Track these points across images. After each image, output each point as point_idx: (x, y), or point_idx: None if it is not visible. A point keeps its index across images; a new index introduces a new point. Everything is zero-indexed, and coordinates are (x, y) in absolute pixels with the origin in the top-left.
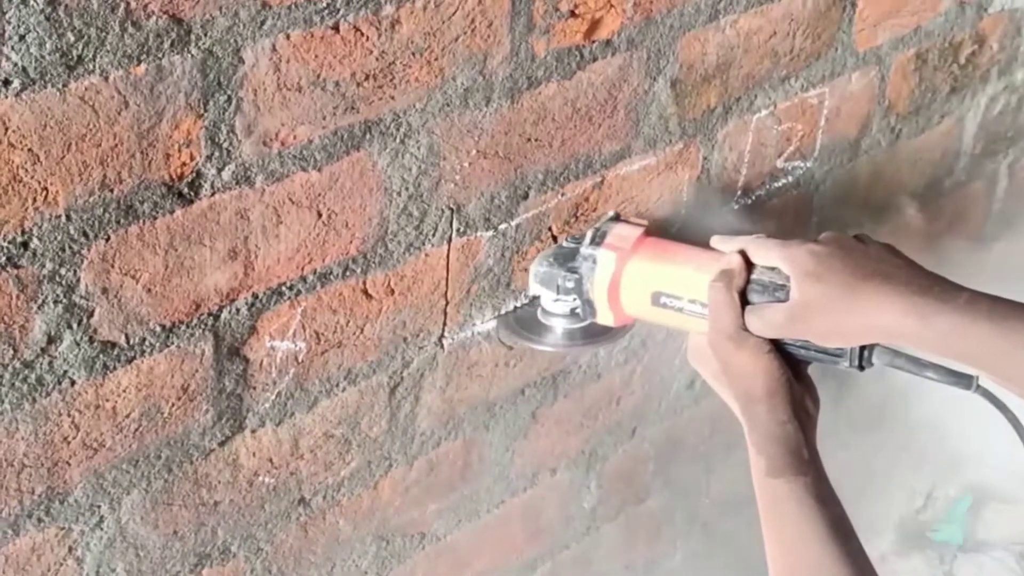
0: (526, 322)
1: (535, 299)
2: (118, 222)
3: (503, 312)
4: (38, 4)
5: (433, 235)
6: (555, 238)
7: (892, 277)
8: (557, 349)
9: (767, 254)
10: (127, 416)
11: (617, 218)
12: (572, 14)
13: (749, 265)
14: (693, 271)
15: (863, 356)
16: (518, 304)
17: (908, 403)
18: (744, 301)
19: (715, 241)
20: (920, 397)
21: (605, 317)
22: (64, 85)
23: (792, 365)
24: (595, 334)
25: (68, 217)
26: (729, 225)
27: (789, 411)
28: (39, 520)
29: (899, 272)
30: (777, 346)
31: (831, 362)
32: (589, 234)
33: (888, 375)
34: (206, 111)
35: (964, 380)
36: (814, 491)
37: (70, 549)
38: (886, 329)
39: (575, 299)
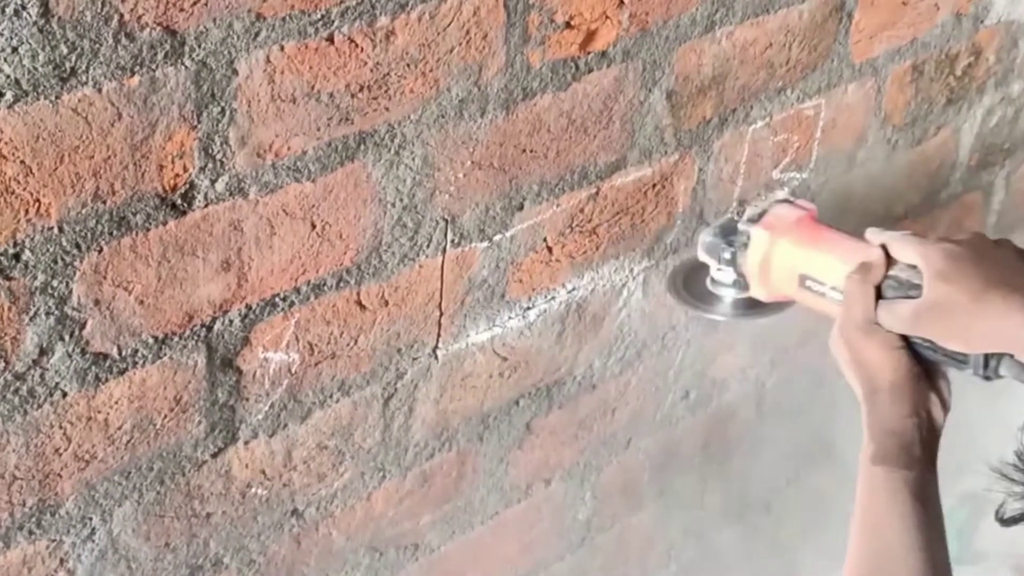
0: (695, 289)
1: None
2: (111, 234)
3: (671, 275)
4: (31, 16)
5: (427, 246)
6: (550, 250)
7: (1022, 287)
8: (723, 318)
9: (908, 250)
10: (119, 428)
11: (786, 200)
12: (567, 25)
13: (890, 260)
14: (838, 259)
15: (988, 365)
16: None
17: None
18: (880, 296)
19: (869, 233)
20: None
21: (758, 292)
22: (57, 97)
23: (927, 366)
24: (759, 305)
25: (60, 229)
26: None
27: (910, 407)
28: (30, 532)
29: None
30: (908, 343)
31: (956, 366)
32: (749, 210)
33: None
34: (200, 122)
35: None
36: (913, 487)
37: (61, 561)
38: (1009, 339)
39: (733, 271)
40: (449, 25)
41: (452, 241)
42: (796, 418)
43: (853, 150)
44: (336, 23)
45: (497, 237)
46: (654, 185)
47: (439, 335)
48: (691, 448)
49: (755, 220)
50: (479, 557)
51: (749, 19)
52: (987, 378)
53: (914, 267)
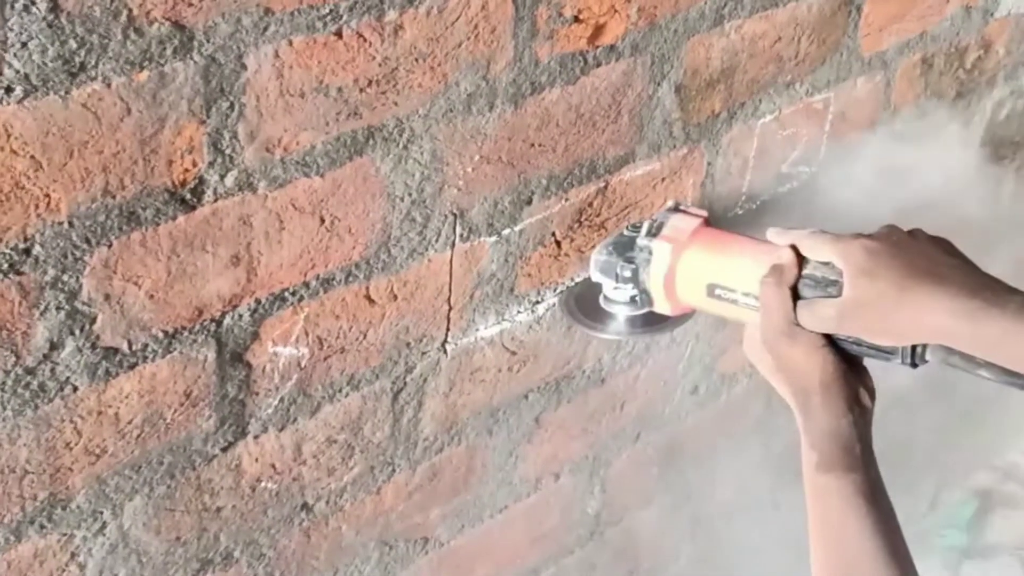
0: (588, 308)
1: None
2: (120, 229)
3: (563, 294)
4: (40, 11)
5: (436, 240)
6: (558, 244)
7: (945, 278)
8: (619, 337)
9: (821, 248)
10: (129, 422)
11: (676, 208)
12: (576, 19)
13: (801, 260)
14: (747, 264)
15: (916, 354)
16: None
17: (911, 409)
18: (796, 296)
19: (771, 234)
20: (922, 403)
21: (662, 307)
22: (66, 92)
23: (847, 357)
24: (655, 322)
25: (70, 224)
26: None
27: (844, 406)
28: (41, 526)
29: (953, 272)
30: (831, 340)
31: (883, 359)
32: (646, 224)
33: (888, 384)
34: (209, 117)
35: (1021, 380)
36: (862, 488)
37: (72, 555)
38: (937, 330)
39: (633, 288)
40: (457, 19)
41: (461, 235)
42: None
43: (862, 144)
44: (344, 18)
45: (506, 231)
46: (663, 179)
47: (448, 329)
48: (700, 442)
49: (654, 234)
50: (489, 551)
51: (758, 12)
52: (914, 365)
53: (827, 264)
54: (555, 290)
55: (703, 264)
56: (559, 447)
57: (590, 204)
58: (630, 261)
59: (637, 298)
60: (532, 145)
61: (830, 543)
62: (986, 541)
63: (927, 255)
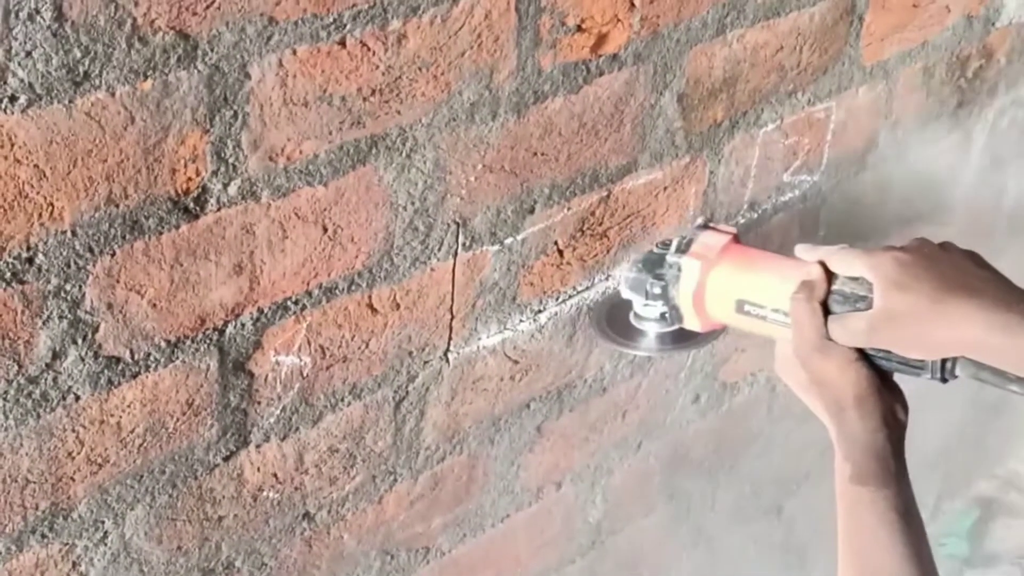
0: (618, 325)
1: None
2: (124, 237)
3: (592, 311)
4: (45, 20)
5: (439, 249)
6: (561, 253)
7: (978, 291)
8: (650, 353)
9: (851, 263)
10: (132, 431)
11: (706, 225)
12: (579, 28)
13: (830, 275)
14: (776, 280)
15: (946, 368)
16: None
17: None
18: (827, 312)
19: (799, 250)
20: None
21: (692, 323)
22: (70, 101)
23: (880, 372)
24: (686, 338)
25: (74, 233)
26: None
27: (879, 420)
28: (43, 536)
29: (985, 285)
30: (864, 355)
31: (913, 373)
32: (675, 241)
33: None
34: (212, 126)
35: None
36: (895, 504)
37: (74, 565)
38: (970, 343)
39: (663, 305)
40: (461, 28)
41: (463, 244)
42: (806, 421)
43: (864, 153)
44: (348, 27)
45: (508, 240)
46: (665, 188)
47: (450, 338)
48: (702, 451)
49: (683, 250)
50: (490, 560)
51: (760, 22)
52: (944, 380)
53: (857, 279)
54: (557, 299)
55: (732, 280)
56: (561, 456)
57: (592, 213)
58: (659, 278)
59: (667, 315)
60: (535, 154)
61: (859, 556)
62: (987, 550)
63: (959, 267)
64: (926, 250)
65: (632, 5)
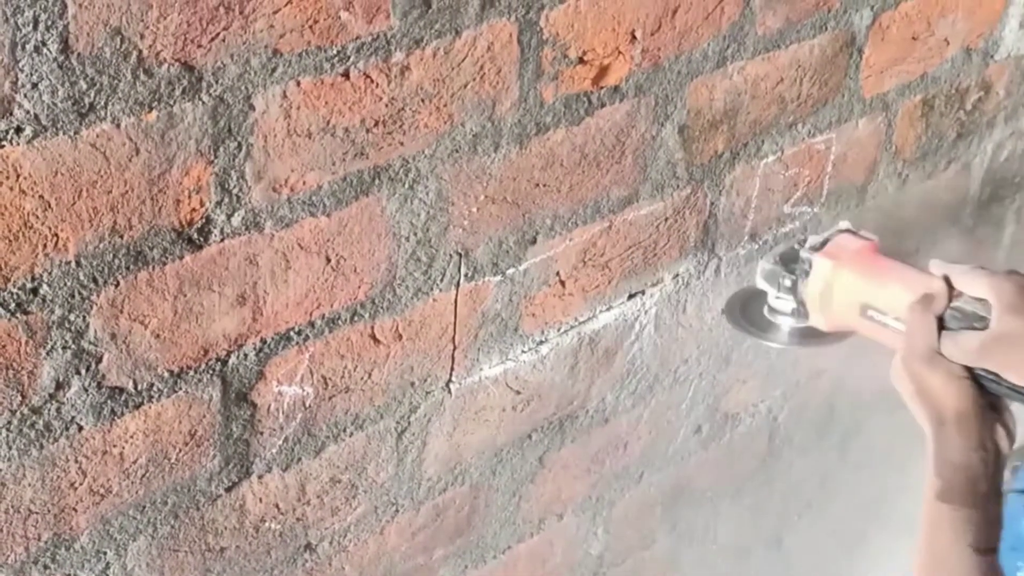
0: (753, 316)
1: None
2: (128, 268)
3: (728, 302)
4: (51, 52)
5: (441, 280)
6: (563, 283)
7: None
8: (780, 346)
9: (977, 283)
10: (134, 462)
11: (848, 230)
12: (580, 61)
13: (952, 291)
14: (900, 289)
15: None
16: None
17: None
18: (942, 326)
19: (933, 265)
20: None
21: (816, 320)
22: (76, 132)
23: (991, 397)
24: (815, 336)
25: (78, 263)
26: None
27: (976, 439)
28: (45, 567)
29: None
30: (973, 374)
31: (1020, 400)
32: (812, 239)
33: (902, 414)
34: (216, 157)
35: None
36: (975, 527)
37: None
38: None
39: (793, 299)
40: (463, 60)
41: (466, 275)
42: (808, 452)
43: (864, 184)
44: (352, 59)
45: (510, 271)
46: (666, 219)
47: (452, 369)
48: (704, 482)
49: (817, 248)
50: None
51: (760, 54)
52: None
53: (980, 300)
54: (559, 330)
55: (858, 284)
56: (563, 487)
57: (594, 244)
58: (792, 272)
59: (796, 310)
60: (537, 185)
61: (931, 570)
62: None
63: None
64: None
65: (633, 37)
